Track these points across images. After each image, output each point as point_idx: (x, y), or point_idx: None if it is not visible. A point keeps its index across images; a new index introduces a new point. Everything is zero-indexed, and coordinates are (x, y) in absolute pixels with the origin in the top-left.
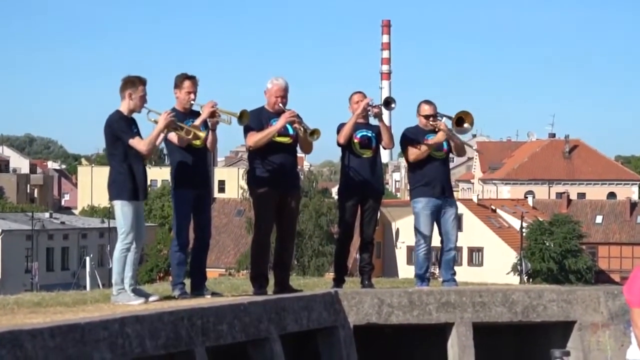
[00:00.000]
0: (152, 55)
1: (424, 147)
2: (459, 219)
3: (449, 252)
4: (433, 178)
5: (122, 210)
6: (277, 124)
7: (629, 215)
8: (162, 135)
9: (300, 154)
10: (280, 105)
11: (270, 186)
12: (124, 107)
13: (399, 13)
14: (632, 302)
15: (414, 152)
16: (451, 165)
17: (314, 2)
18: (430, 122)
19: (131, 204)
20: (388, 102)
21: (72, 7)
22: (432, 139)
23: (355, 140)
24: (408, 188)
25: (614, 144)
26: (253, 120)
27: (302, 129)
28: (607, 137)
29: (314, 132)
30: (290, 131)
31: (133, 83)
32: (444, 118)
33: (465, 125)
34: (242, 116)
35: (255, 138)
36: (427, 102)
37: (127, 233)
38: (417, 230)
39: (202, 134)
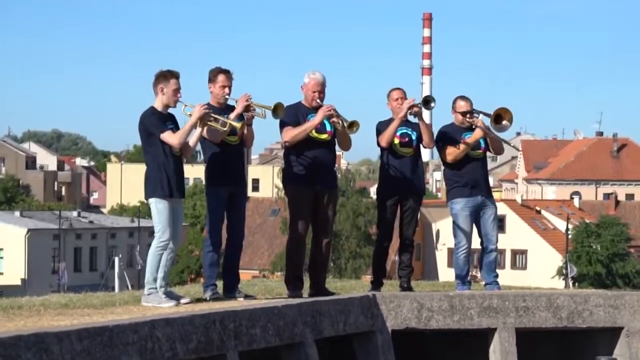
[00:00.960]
0: (186, 51)
1: (461, 146)
2: (501, 220)
3: (490, 254)
4: (471, 178)
5: (157, 208)
6: (315, 119)
7: None
8: (198, 130)
9: (337, 152)
10: (318, 101)
11: (306, 184)
12: (158, 102)
13: (440, 6)
14: None
15: (451, 152)
16: (495, 164)
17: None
18: (467, 119)
19: (166, 201)
20: (427, 101)
21: (100, 2)
22: (470, 137)
23: (396, 140)
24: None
25: None
26: (290, 116)
27: (340, 122)
28: None
29: (353, 124)
30: (328, 127)
31: (165, 77)
32: (481, 115)
33: (504, 122)
34: (276, 109)
35: (292, 133)
36: (463, 97)
37: (164, 231)
38: (455, 232)
39: (237, 125)
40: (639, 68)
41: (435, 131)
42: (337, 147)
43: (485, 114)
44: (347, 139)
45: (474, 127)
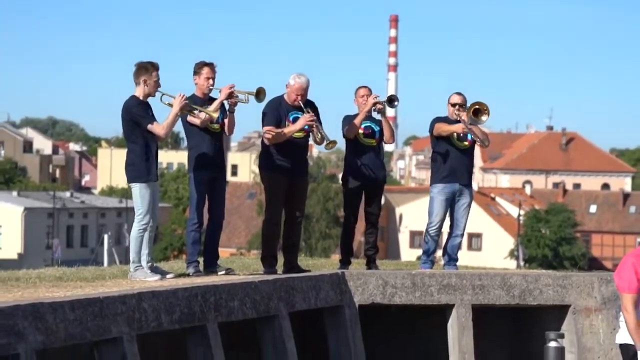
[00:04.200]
0: (170, 42)
1: (449, 127)
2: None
3: (455, 238)
4: (453, 166)
5: (140, 193)
6: (296, 125)
7: (621, 205)
8: (177, 118)
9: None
10: (299, 102)
11: (280, 172)
12: (139, 92)
13: (406, 8)
14: (621, 287)
15: (439, 127)
16: None
17: None
18: (456, 111)
19: (149, 185)
20: (392, 100)
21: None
22: (448, 126)
23: (360, 131)
24: (414, 176)
25: (609, 137)
26: (272, 113)
27: (319, 134)
28: (603, 130)
29: (331, 143)
30: (305, 126)
31: (146, 69)
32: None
33: (483, 117)
34: (259, 93)
35: (274, 137)
36: (458, 93)
37: (145, 214)
38: (430, 212)
39: (215, 115)
40: (587, 66)
41: (404, 125)
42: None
43: (474, 106)
44: (321, 138)
45: (460, 119)
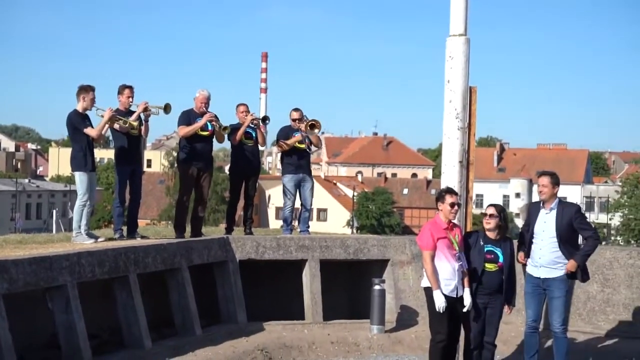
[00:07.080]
0: (103, 68)
1: (285, 145)
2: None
3: (305, 212)
4: (297, 162)
5: (80, 179)
6: (200, 122)
7: (425, 188)
8: (107, 126)
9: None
10: (204, 108)
11: (192, 165)
12: (79, 106)
13: (275, 47)
14: (422, 246)
15: (279, 149)
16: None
17: (215, 38)
18: (296, 124)
19: (87, 174)
20: (265, 119)
21: (45, 25)
22: (290, 140)
23: (244, 136)
24: (280, 167)
25: (417, 139)
26: (184, 118)
27: (218, 125)
28: (413, 134)
29: (225, 128)
30: (209, 127)
31: (86, 90)
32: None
33: (316, 130)
34: (166, 108)
35: (185, 130)
36: (296, 109)
37: (83, 194)
38: (284, 195)
39: (135, 124)
40: (402, 88)
41: (275, 130)
42: (214, 141)
43: (310, 122)
44: (221, 135)
45: (298, 129)
